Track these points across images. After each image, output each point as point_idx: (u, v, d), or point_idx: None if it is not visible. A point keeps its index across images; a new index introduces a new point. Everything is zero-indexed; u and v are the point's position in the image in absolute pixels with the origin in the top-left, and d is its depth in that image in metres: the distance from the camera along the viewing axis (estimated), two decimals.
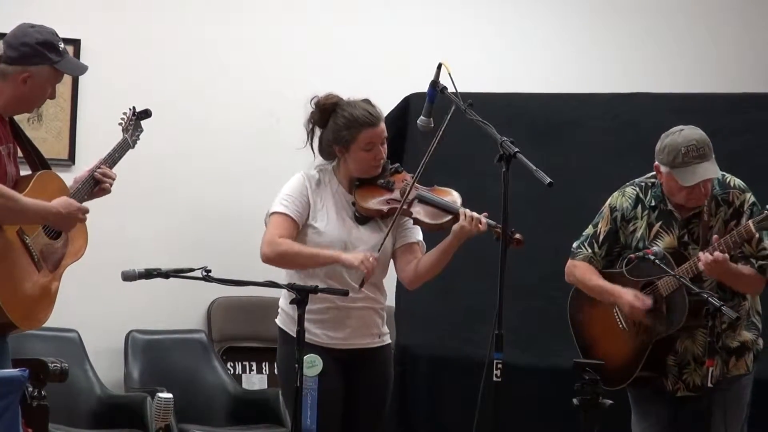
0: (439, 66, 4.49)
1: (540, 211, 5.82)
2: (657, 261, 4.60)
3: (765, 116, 6.02)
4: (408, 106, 6.34)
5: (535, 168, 4.15)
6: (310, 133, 4.77)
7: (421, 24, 7.53)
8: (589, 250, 4.89)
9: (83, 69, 4.44)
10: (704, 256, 4.51)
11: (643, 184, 4.84)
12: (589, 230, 4.92)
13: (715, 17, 7.95)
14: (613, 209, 4.86)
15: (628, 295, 4.70)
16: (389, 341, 4.83)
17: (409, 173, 4.76)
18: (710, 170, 4.59)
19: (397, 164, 4.82)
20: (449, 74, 4.44)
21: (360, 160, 4.69)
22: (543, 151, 5.41)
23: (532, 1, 7.77)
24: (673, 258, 4.66)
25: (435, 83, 4.50)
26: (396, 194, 4.70)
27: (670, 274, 4.59)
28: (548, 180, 4.14)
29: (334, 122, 4.68)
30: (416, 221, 4.73)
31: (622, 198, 4.86)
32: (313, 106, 4.73)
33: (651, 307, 4.67)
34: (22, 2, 6.66)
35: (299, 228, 4.66)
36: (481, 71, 7.13)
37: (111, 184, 4.44)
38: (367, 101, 4.72)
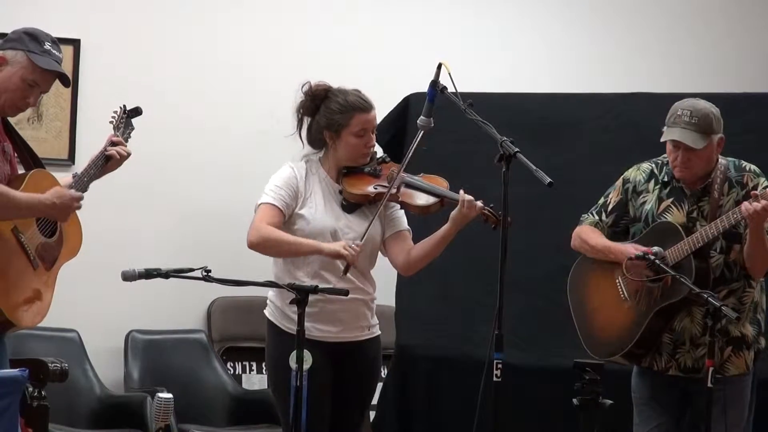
0: (439, 66, 4.50)
1: (540, 212, 5.82)
2: (657, 261, 4.61)
3: (765, 116, 6.03)
4: (408, 106, 6.34)
5: (535, 168, 4.17)
6: (300, 122, 4.80)
7: (421, 24, 7.52)
8: (596, 218, 4.93)
9: (58, 69, 4.25)
10: (749, 204, 4.48)
11: (659, 161, 4.88)
12: (600, 201, 4.96)
13: (715, 17, 7.95)
14: (625, 181, 4.90)
15: (629, 249, 4.72)
16: (378, 332, 4.83)
17: (396, 164, 4.79)
18: (685, 136, 4.62)
19: (385, 155, 4.84)
20: (449, 74, 4.45)
21: (351, 146, 4.71)
22: (543, 151, 5.41)
23: (533, 1, 7.77)
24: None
25: (435, 83, 4.51)
26: (383, 180, 4.73)
27: (670, 274, 4.59)
28: (548, 180, 4.15)
29: (326, 107, 4.72)
30: (403, 205, 4.76)
31: (636, 171, 4.90)
32: (304, 94, 4.77)
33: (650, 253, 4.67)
34: (23, 2, 6.66)
35: (285, 218, 4.68)
36: (481, 71, 7.13)
37: (121, 156, 4.43)
38: (357, 90, 4.76)
